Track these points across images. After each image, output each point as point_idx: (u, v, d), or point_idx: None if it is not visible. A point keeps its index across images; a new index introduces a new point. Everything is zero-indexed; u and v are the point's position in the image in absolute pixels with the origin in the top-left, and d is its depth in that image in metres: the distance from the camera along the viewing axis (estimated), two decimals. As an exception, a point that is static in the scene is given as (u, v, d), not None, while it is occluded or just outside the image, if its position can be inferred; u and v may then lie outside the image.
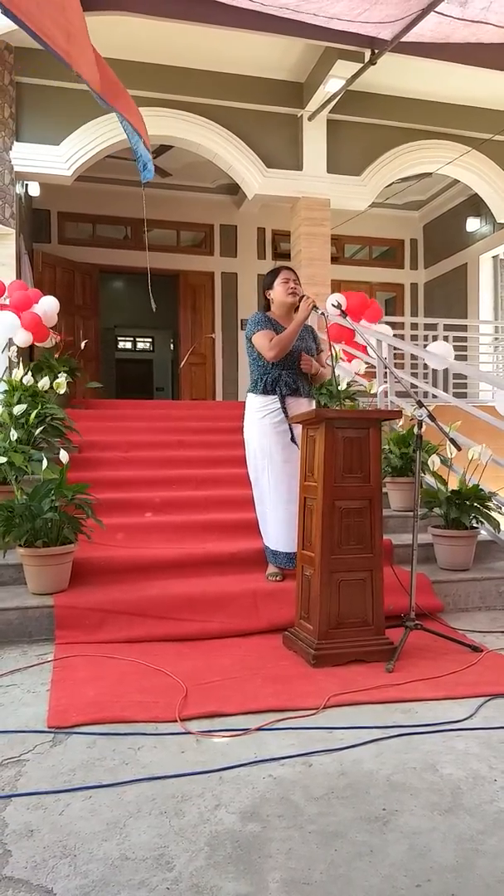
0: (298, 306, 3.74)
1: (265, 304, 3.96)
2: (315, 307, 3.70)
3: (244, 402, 4.00)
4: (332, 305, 4.15)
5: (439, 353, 5.79)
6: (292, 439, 3.75)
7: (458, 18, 5.19)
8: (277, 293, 3.86)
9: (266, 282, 3.95)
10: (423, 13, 5.12)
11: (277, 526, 3.81)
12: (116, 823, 1.82)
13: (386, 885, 1.57)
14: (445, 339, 8.23)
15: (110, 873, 1.61)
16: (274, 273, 3.91)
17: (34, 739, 2.31)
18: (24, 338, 5.62)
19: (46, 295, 6.00)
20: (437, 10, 5.04)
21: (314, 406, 3.94)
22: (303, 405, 3.80)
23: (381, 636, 3.11)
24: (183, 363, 10.48)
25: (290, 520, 3.73)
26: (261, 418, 3.81)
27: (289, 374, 3.80)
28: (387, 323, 6.86)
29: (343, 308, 4.33)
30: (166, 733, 2.35)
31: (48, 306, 5.85)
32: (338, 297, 5.76)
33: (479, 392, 9.14)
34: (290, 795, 1.95)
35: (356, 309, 6.38)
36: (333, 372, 4.37)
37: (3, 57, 6.83)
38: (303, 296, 3.76)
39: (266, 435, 3.78)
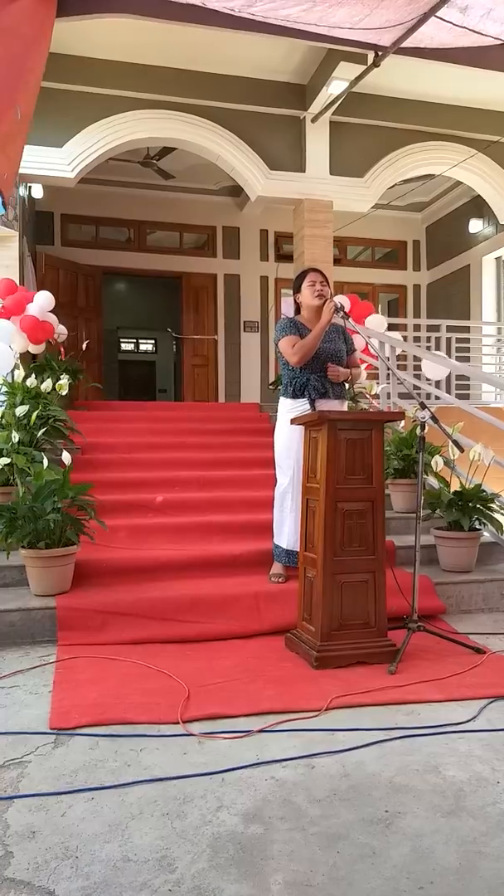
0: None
1: (296, 308, 3.98)
2: (337, 310, 3.71)
3: (246, 404, 4.01)
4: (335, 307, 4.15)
5: (437, 364, 5.79)
6: None
7: (458, 25, 5.19)
8: (304, 296, 3.88)
9: (294, 286, 3.99)
10: (424, 18, 5.11)
11: (297, 527, 3.81)
12: (118, 825, 1.82)
13: (388, 888, 1.57)
14: (448, 340, 8.24)
15: (112, 875, 1.61)
16: (301, 276, 3.94)
17: (36, 741, 2.31)
18: (21, 343, 5.61)
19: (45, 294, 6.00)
20: (437, 15, 5.04)
21: (346, 407, 3.96)
22: (334, 407, 3.81)
23: (383, 638, 3.11)
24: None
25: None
26: (289, 420, 3.84)
27: (317, 377, 3.82)
28: (389, 325, 6.86)
29: (346, 310, 4.33)
30: (168, 735, 2.35)
31: (43, 302, 5.83)
32: (340, 299, 5.75)
33: (482, 394, 9.13)
34: (293, 797, 1.95)
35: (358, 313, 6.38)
36: None
37: (7, 59, 6.84)
38: (326, 299, 3.77)
39: (294, 437, 3.80)
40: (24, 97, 3.90)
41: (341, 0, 4.77)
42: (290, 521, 3.85)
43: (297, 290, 3.95)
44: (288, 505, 3.87)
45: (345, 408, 3.96)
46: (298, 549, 3.78)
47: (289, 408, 3.88)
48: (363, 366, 6.13)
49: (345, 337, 3.99)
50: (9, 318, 5.66)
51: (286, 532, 3.88)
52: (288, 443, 3.86)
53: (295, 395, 3.86)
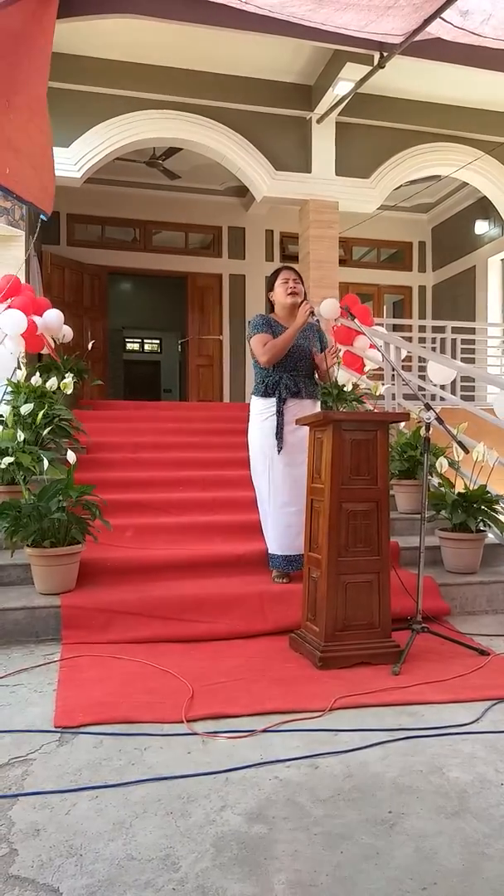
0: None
1: (269, 307, 3.97)
2: (312, 313, 3.70)
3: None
4: (340, 308, 4.16)
5: (442, 368, 5.79)
6: (280, 442, 3.75)
7: (459, 27, 5.21)
8: (277, 294, 3.87)
9: (268, 284, 3.97)
10: (428, 21, 5.13)
11: (275, 529, 3.81)
12: (122, 823, 1.82)
13: (392, 888, 1.57)
14: (453, 341, 8.24)
15: (116, 873, 1.62)
16: (274, 274, 3.94)
17: (41, 739, 2.32)
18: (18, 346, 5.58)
19: (54, 300, 5.96)
20: (441, 17, 5.05)
21: (318, 408, 3.94)
22: (306, 407, 3.79)
23: (387, 639, 3.10)
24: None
25: (287, 522, 3.74)
26: (262, 420, 3.82)
27: (290, 376, 3.79)
28: (394, 326, 6.86)
29: (348, 310, 4.34)
30: (172, 734, 2.35)
31: (51, 320, 5.82)
32: (331, 302, 5.76)
33: (487, 395, 9.11)
34: (296, 797, 1.95)
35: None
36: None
37: (14, 59, 6.85)
38: (303, 300, 3.76)
39: (267, 437, 3.79)
40: (10, 88, 3.92)
41: (348, 4, 4.78)
42: (272, 525, 3.83)
43: (270, 288, 3.94)
44: (267, 509, 3.84)
45: (317, 408, 3.91)
46: (280, 552, 3.80)
47: (260, 407, 3.83)
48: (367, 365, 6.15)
49: (319, 335, 3.96)
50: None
51: (270, 535, 3.87)
52: (262, 442, 3.81)
53: (266, 394, 3.80)
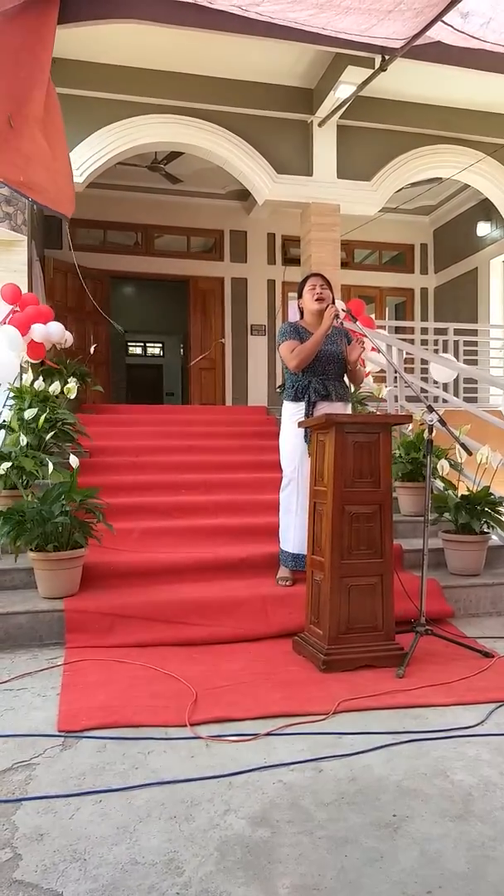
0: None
1: (300, 314, 4.00)
2: (336, 316, 3.72)
3: (254, 407, 4.02)
4: (342, 310, 4.16)
5: (443, 367, 5.78)
6: (309, 445, 3.76)
7: (459, 30, 5.21)
8: (306, 301, 3.91)
9: (298, 291, 4.00)
10: (429, 25, 5.14)
11: (301, 529, 3.80)
12: (126, 828, 1.82)
13: (396, 892, 1.56)
14: (455, 343, 8.23)
15: (120, 878, 1.61)
16: (303, 282, 3.98)
17: (44, 743, 2.32)
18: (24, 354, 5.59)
19: (56, 305, 5.96)
20: (442, 20, 5.06)
21: (349, 410, 3.96)
22: (336, 410, 3.80)
23: (391, 641, 3.10)
24: (193, 363, 10.57)
25: None
26: (292, 423, 3.85)
27: (319, 381, 3.82)
28: (396, 328, 6.85)
29: (348, 312, 4.34)
30: (176, 738, 2.35)
31: (53, 331, 5.84)
32: (338, 305, 5.74)
33: (490, 397, 9.11)
34: (300, 801, 1.95)
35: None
36: None
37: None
38: (328, 304, 3.78)
39: (299, 440, 3.81)
40: (13, 106, 3.96)
41: (349, 8, 4.78)
42: (297, 525, 3.84)
43: (299, 296, 3.97)
44: (294, 508, 3.86)
45: (348, 410, 3.96)
46: (305, 553, 3.80)
47: (292, 411, 3.88)
48: (368, 366, 6.13)
49: (347, 338, 3.99)
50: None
51: (292, 536, 3.88)
52: (293, 446, 3.86)
53: (297, 399, 3.86)
